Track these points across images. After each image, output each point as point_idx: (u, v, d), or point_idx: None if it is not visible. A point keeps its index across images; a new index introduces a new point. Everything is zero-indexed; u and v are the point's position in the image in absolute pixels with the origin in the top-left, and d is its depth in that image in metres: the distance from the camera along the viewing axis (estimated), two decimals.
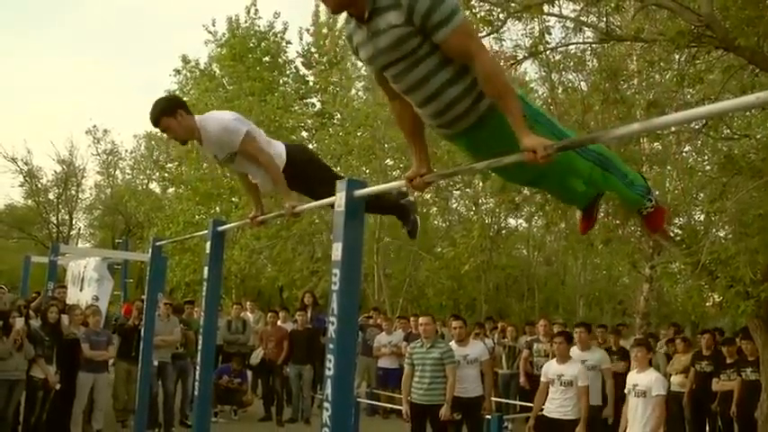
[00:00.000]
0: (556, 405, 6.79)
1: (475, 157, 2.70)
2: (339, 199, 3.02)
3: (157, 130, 4.01)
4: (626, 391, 6.41)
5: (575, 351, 7.33)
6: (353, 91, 20.62)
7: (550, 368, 6.99)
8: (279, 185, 3.76)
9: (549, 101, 10.85)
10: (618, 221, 10.63)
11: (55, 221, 35.03)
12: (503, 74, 2.31)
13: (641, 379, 6.22)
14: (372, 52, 2.43)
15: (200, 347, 5.20)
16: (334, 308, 2.96)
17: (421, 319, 7.47)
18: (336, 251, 2.98)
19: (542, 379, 7.07)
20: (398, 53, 2.34)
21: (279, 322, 11.13)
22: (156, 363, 8.67)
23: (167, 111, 3.77)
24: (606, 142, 2.48)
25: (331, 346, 2.95)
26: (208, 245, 4.87)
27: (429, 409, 6.81)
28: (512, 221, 22.38)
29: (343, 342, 2.95)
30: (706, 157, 14.30)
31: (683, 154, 14.20)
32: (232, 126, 3.77)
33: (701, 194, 13.55)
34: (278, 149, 3.87)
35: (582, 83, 11.56)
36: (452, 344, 7.25)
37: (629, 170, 2.92)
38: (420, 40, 2.28)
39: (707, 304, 12.79)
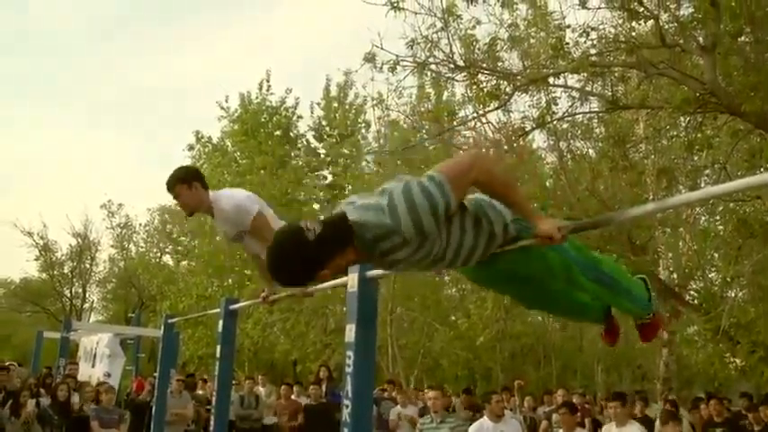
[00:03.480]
0: None
1: (477, 280, 2.76)
2: (352, 280, 3.02)
3: (171, 200, 4.09)
4: None
5: (612, 429, 6.91)
6: (364, 163, 20.88)
7: None
8: None
9: (559, 169, 10.94)
10: None
11: (68, 295, 35.12)
12: (498, 178, 2.21)
13: None
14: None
15: (212, 426, 5.11)
16: (348, 390, 2.92)
17: (430, 393, 7.24)
18: (350, 332, 2.96)
19: None
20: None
21: (292, 396, 10.95)
22: None
23: (184, 179, 3.85)
24: (621, 223, 2.48)
25: (346, 430, 2.89)
26: (220, 323, 4.84)
27: None
28: None
29: (358, 425, 2.89)
30: (718, 218, 14.27)
31: (696, 216, 14.18)
32: (244, 205, 3.83)
33: (717, 255, 13.45)
34: None
35: (590, 150, 11.69)
36: (486, 420, 6.81)
37: (632, 283, 2.83)
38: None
39: (729, 368, 12.51)
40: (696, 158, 9.79)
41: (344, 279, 3.21)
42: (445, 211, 2.10)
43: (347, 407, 2.90)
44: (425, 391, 7.47)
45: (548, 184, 10.48)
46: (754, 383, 15.42)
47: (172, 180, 3.86)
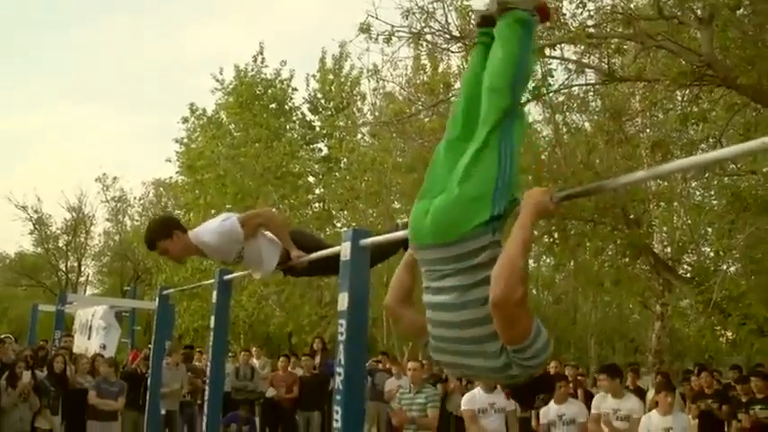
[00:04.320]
0: None
1: None
2: (344, 248, 3.02)
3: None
4: None
5: (609, 400, 6.91)
6: (359, 136, 20.80)
7: (550, 410, 6.90)
8: (283, 239, 3.70)
9: (554, 142, 10.92)
10: (627, 261, 10.60)
11: (64, 269, 35.14)
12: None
13: (670, 421, 6.06)
14: None
15: (207, 397, 5.15)
16: (341, 358, 2.93)
17: (410, 364, 7.28)
18: (342, 301, 2.97)
19: (541, 421, 6.98)
20: None
21: (289, 367, 11.05)
22: (163, 411, 8.57)
23: (163, 233, 3.66)
24: (611, 189, 2.47)
25: (338, 397, 2.91)
26: (214, 294, 4.85)
27: None
28: None
29: (351, 392, 2.91)
30: (713, 193, 14.31)
31: (690, 191, 14.21)
32: (224, 227, 3.63)
33: (710, 230, 13.52)
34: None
35: (586, 123, 11.66)
36: (479, 390, 6.88)
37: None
38: None
39: (720, 341, 12.64)
40: (692, 132, 9.78)
41: (337, 248, 3.21)
42: None
43: (340, 374, 2.92)
44: (408, 363, 7.49)
45: (543, 157, 10.46)
46: (745, 356, 15.61)
47: (150, 238, 3.70)
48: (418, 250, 2.32)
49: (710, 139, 9.46)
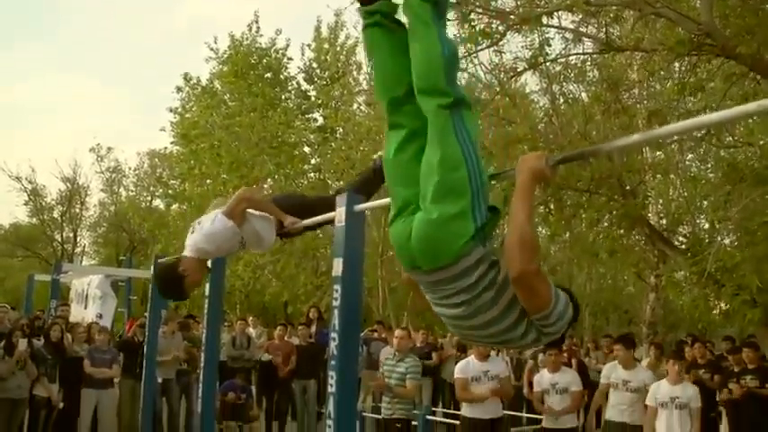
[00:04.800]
0: (554, 415, 6.74)
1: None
2: (339, 214, 3.01)
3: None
4: (656, 403, 6.23)
5: (617, 369, 6.94)
6: (355, 105, 20.69)
7: (543, 378, 6.97)
8: (272, 211, 3.63)
9: (551, 112, 10.85)
10: (622, 232, 10.60)
11: (59, 239, 35.12)
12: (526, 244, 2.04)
13: (679, 391, 6.11)
14: None
15: (202, 363, 5.18)
16: (335, 323, 2.94)
17: (396, 332, 7.32)
18: (337, 266, 2.97)
19: (535, 389, 7.05)
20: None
21: (285, 337, 11.11)
22: (159, 380, 8.63)
23: (175, 276, 3.51)
24: (609, 152, 2.45)
25: (333, 362, 2.93)
26: (209, 263, 4.84)
27: (390, 423, 6.75)
28: None
29: (345, 357, 2.92)
30: (709, 166, 14.30)
31: (686, 162, 14.19)
32: (216, 228, 3.50)
33: (705, 203, 13.53)
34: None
35: (583, 93, 11.58)
36: (472, 358, 6.97)
37: None
38: None
39: (713, 312, 12.73)
40: (689, 103, 9.72)
41: (332, 214, 3.20)
42: None
43: (335, 340, 2.93)
44: (395, 331, 7.53)
45: (540, 127, 10.41)
46: (737, 327, 15.74)
47: (175, 288, 3.55)
48: (412, 274, 2.27)
49: (707, 110, 9.41)
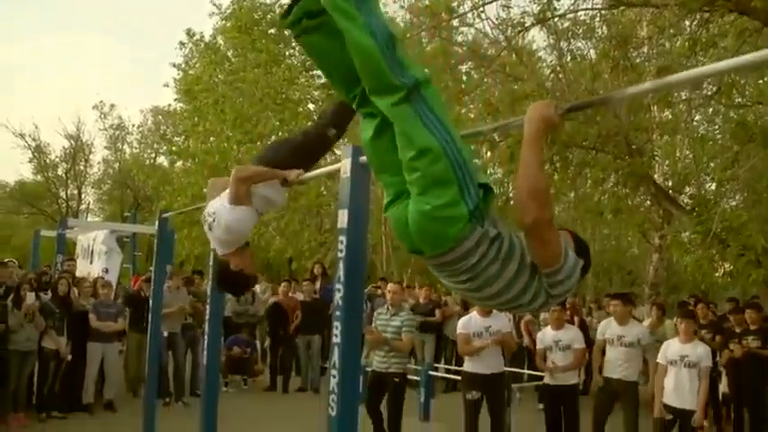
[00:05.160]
0: (557, 371, 6.81)
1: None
2: (344, 165, 2.98)
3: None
4: (666, 361, 6.27)
5: (612, 325, 7.02)
6: None
7: (546, 335, 7.02)
8: (271, 176, 3.53)
9: (558, 69, 10.71)
10: (627, 191, 10.56)
11: (64, 196, 35.23)
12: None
13: (689, 350, 6.14)
14: None
15: (207, 317, 5.21)
16: (340, 275, 2.93)
17: (389, 286, 7.31)
18: (342, 218, 2.94)
19: (538, 346, 7.11)
20: None
21: (290, 292, 11.20)
22: (165, 334, 8.73)
23: (237, 275, 3.50)
24: (618, 102, 2.40)
25: (338, 313, 2.93)
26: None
27: (386, 377, 6.74)
28: None
29: (351, 309, 2.92)
30: (717, 127, 14.17)
31: (694, 123, 14.05)
32: (230, 219, 3.39)
33: (712, 164, 13.44)
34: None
35: (591, 50, 11.41)
36: (475, 314, 6.98)
37: None
38: None
39: (717, 274, 12.75)
40: (700, 59, 9.56)
41: (337, 165, 3.17)
42: None
43: (339, 291, 2.93)
44: (388, 286, 7.50)
45: (547, 84, 10.28)
46: (740, 289, 15.78)
47: (240, 286, 3.62)
48: (417, 256, 2.23)
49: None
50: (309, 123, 3.72)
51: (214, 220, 3.46)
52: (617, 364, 6.80)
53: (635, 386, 6.73)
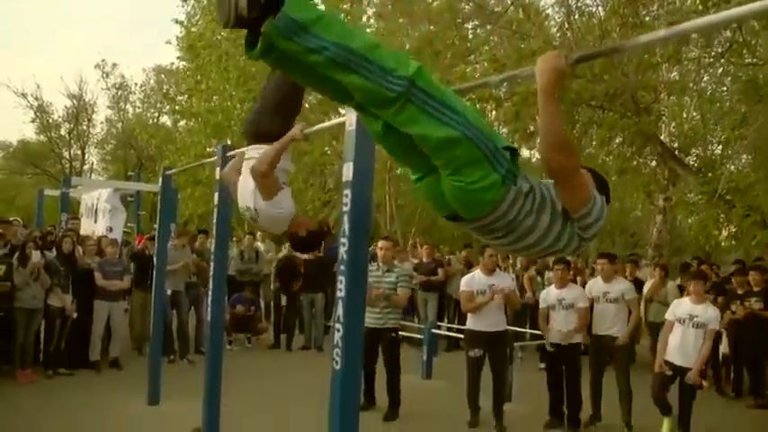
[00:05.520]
0: (560, 329, 6.84)
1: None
2: (350, 118, 2.93)
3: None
4: (675, 318, 6.26)
5: (598, 282, 7.20)
6: (364, 18, 20.11)
7: (550, 294, 7.03)
8: (284, 146, 3.49)
9: (566, 26, 10.53)
10: (633, 150, 10.47)
11: (67, 156, 35.17)
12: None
13: (699, 311, 6.12)
14: None
15: (211, 273, 5.22)
16: (345, 229, 2.91)
17: (380, 243, 7.31)
18: (347, 171, 2.91)
19: (541, 305, 7.12)
20: None
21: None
22: (169, 292, 8.77)
23: (309, 237, 3.59)
24: (630, 51, 2.33)
25: (342, 267, 2.91)
26: (217, 171, 4.80)
27: (381, 333, 6.87)
28: (525, 152, 22.19)
29: (355, 263, 2.90)
30: (725, 88, 13.98)
31: (702, 84, 13.86)
32: (275, 211, 3.49)
33: (719, 126, 13.30)
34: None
35: (599, 7, 11.20)
36: (478, 272, 6.99)
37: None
38: None
39: (721, 236, 12.73)
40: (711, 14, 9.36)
41: (342, 119, 3.12)
42: None
43: (344, 245, 2.91)
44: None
45: (554, 42, 10.11)
46: (744, 250, 15.77)
47: (317, 241, 3.72)
48: (453, 223, 2.25)
49: (733, 25, 9.09)
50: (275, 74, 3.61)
51: (257, 216, 3.54)
52: (603, 321, 6.90)
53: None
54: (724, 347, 8.87)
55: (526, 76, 2.24)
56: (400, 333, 7.34)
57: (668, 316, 6.42)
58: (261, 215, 3.50)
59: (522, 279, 10.66)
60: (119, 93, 34.97)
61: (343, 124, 3.07)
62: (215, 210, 5.03)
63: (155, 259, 7.50)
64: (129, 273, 9.01)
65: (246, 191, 3.55)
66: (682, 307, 6.32)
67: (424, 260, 11.40)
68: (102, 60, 35.00)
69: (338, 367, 2.88)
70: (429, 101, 1.93)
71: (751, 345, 8.27)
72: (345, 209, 2.90)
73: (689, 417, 6.10)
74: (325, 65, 1.84)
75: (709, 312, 6.18)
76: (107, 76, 34.02)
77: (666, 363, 6.25)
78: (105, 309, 8.58)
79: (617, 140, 9.96)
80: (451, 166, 1.99)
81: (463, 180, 1.99)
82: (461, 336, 8.11)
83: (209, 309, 5.25)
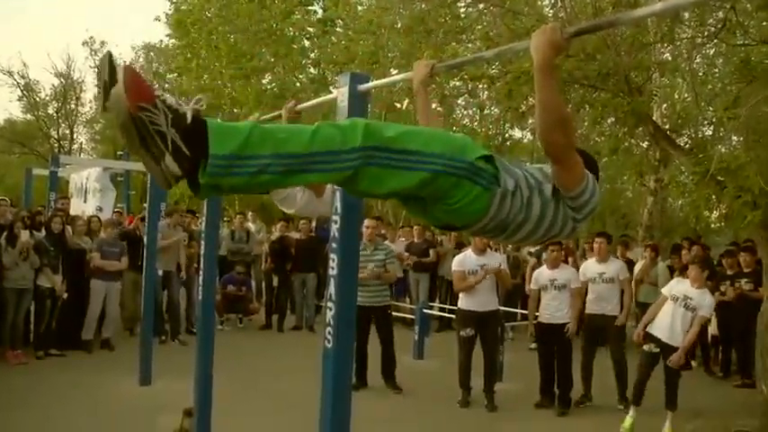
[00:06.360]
0: (552, 310, 6.87)
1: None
2: (342, 94, 2.88)
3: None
4: (670, 295, 6.27)
5: (592, 264, 7.25)
6: None
7: (542, 275, 7.06)
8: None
9: (559, 4, 10.41)
10: (626, 130, 10.41)
11: (56, 136, 34.83)
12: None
13: (695, 294, 6.11)
14: None
15: (202, 253, 5.18)
16: (337, 207, 2.87)
17: (366, 222, 7.32)
18: None
19: (533, 286, 7.15)
20: None
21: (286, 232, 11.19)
22: (160, 272, 8.73)
23: None
24: (626, 24, 2.29)
25: (334, 245, 2.88)
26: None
27: (374, 311, 6.99)
28: (517, 133, 22.18)
29: (347, 241, 2.87)
30: (717, 70, 13.95)
31: (695, 65, 13.81)
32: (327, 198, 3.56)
33: (711, 108, 13.28)
34: None
35: None
36: (470, 252, 7.03)
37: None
38: None
39: (711, 217, 12.77)
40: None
41: (334, 95, 3.08)
42: None
43: (336, 223, 2.88)
44: (365, 221, 7.49)
45: (547, 20, 10.00)
46: (732, 233, 15.85)
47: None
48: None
49: (726, 5, 9.03)
50: None
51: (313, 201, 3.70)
52: (599, 300, 6.96)
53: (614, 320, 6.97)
54: (713, 329, 8.92)
55: (521, 49, 2.21)
56: (393, 313, 7.41)
57: (665, 291, 6.42)
58: (323, 210, 3.58)
59: (511, 259, 10.68)
60: None
61: (335, 100, 3.02)
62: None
63: (145, 239, 7.45)
64: (126, 254, 8.96)
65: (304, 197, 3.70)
66: (680, 286, 6.32)
67: (416, 241, 11.40)
68: (91, 38, 34.40)
69: (330, 345, 2.86)
70: (391, 155, 1.83)
71: (740, 326, 8.32)
72: (337, 187, 2.86)
73: (675, 395, 6.14)
74: (278, 179, 1.76)
75: (706, 299, 6.15)
76: (95, 53, 33.60)
77: (651, 337, 6.23)
78: (102, 289, 8.55)
79: (609, 120, 9.92)
80: (432, 197, 1.99)
81: (448, 202, 1.99)
82: (453, 316, 8.13)
83: (200, 289, 5.22)
